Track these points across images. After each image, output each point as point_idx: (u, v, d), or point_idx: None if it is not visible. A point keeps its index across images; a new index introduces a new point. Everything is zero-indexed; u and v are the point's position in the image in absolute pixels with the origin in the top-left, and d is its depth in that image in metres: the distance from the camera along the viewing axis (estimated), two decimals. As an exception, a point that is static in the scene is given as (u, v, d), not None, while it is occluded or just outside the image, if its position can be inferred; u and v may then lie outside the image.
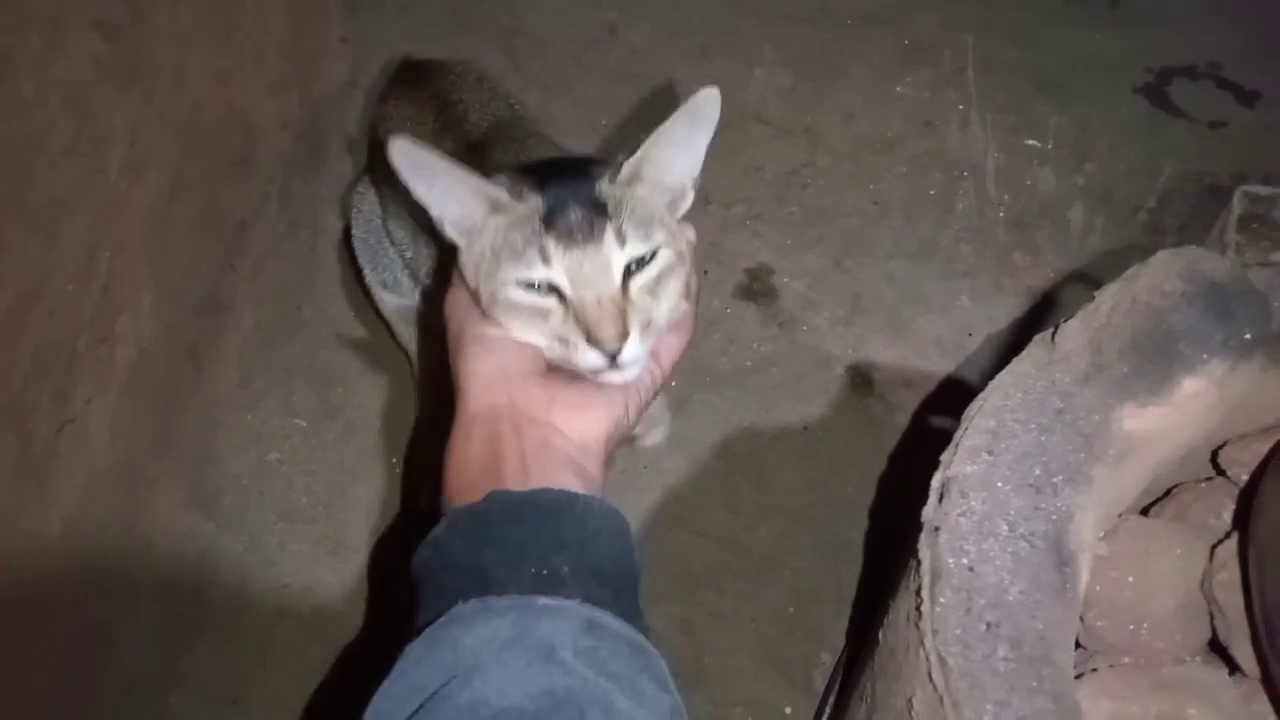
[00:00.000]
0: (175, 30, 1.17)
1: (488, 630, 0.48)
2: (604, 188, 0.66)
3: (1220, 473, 0.78)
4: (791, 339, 1.40)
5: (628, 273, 0.64)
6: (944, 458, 0.69)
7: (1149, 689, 0.67)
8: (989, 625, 0.63)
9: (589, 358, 0.62)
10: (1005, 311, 1.40)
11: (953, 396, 1.34)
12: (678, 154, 0.67)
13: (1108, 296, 0.71)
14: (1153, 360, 0.68)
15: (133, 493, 1.13)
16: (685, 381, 1.35)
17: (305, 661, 1.12)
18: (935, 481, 0.68)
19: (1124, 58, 1.66)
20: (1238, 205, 0.84)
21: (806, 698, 1.11)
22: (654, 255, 0.65)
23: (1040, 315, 1.39)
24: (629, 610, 0.54)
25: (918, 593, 0.64)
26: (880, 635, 0.75)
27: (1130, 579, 0.71)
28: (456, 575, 0.53)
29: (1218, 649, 0.73)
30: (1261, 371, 0.71)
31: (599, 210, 0.64)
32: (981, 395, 0.71)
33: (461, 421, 0.61)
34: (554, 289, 0.64)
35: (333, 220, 1.47)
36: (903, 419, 1.32)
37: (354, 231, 1.24)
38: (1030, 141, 1.56)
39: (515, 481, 0.56)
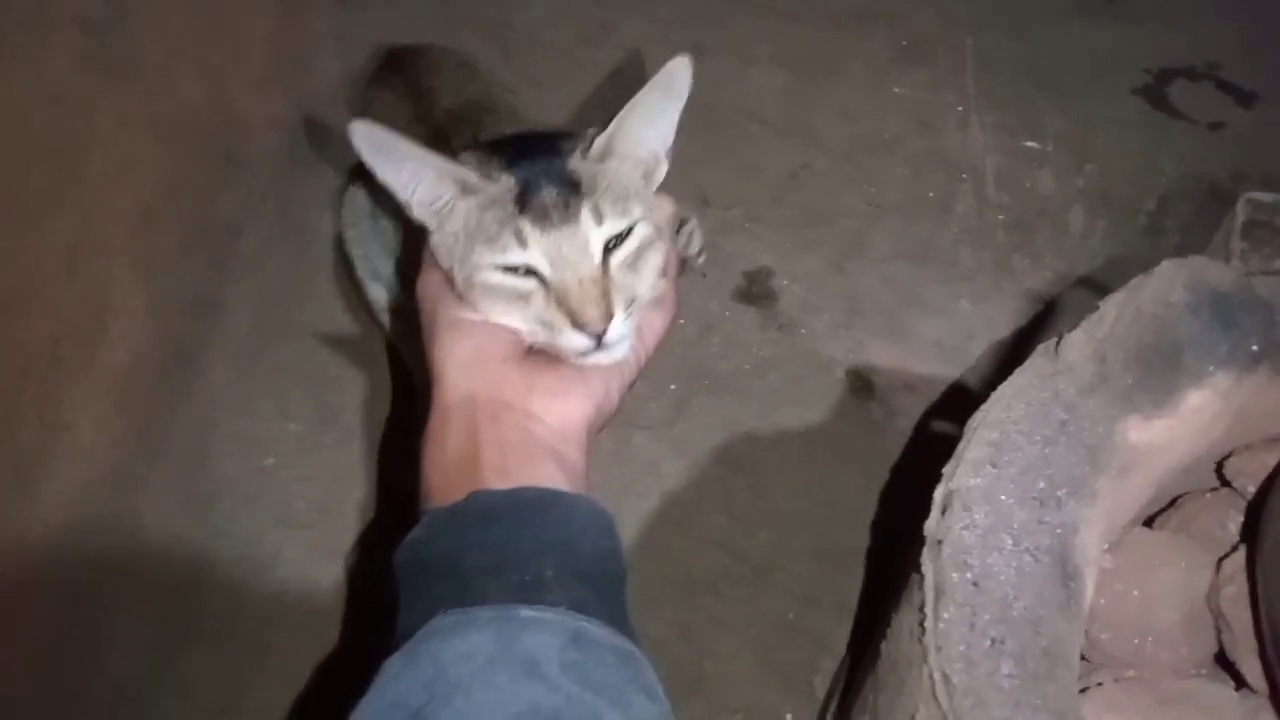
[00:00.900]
0: (160, 27, 1.15)
1: (468, 644, 0.47)
2: (576, 164, 0.64)
3: (1226, 483, 0.78)
4: (791, 342, 1.39)
5: (607, 250, 0.63)
6: (946, 470, 0.68)
7: (1153, 704, 0.67)
8: (993, 641, 0.62)
9: (575, 340, 0.61)
10: (1005, 314, 1.40)
11: (953, 400, 1.34)
12: (650, 126, 0.66)
13: (1111, 307, 0.70)
14: (1157, 372, 0.68)
15: (124, 498, 1.12)
16: (684, 385, 1.34)
17: (299, 668, 1.11)
18: (938, 494, 0.67)
19: (1123, 58, 1.66)
20: (1241, 212, 0.83)
21: (807, 704, 1.11)
22: (631, 230, 0.64)
23: (1040, 318, 1.38)
24: (615, 612, 0.53)
25: (920, 608, 0.64)
26: (882, 647, 0.75)
27: (1135, 592, 0.71)
28: (436, 580, 0.52)
29: (1224, 663, 0.72)
30: (1268, 381, 0.71)
31: (573, 188, 0.63)
32: (984, 407, 0.70)
33: (438, 411, 0.59)
34: (533, 272, 0.62)
35: (326, 220, 1.45)
36: (903, 423, 1.32)
37: (344, 224, 1.24)
38: (1029, 143, 1.55)
39: (495, 477, 0.55)
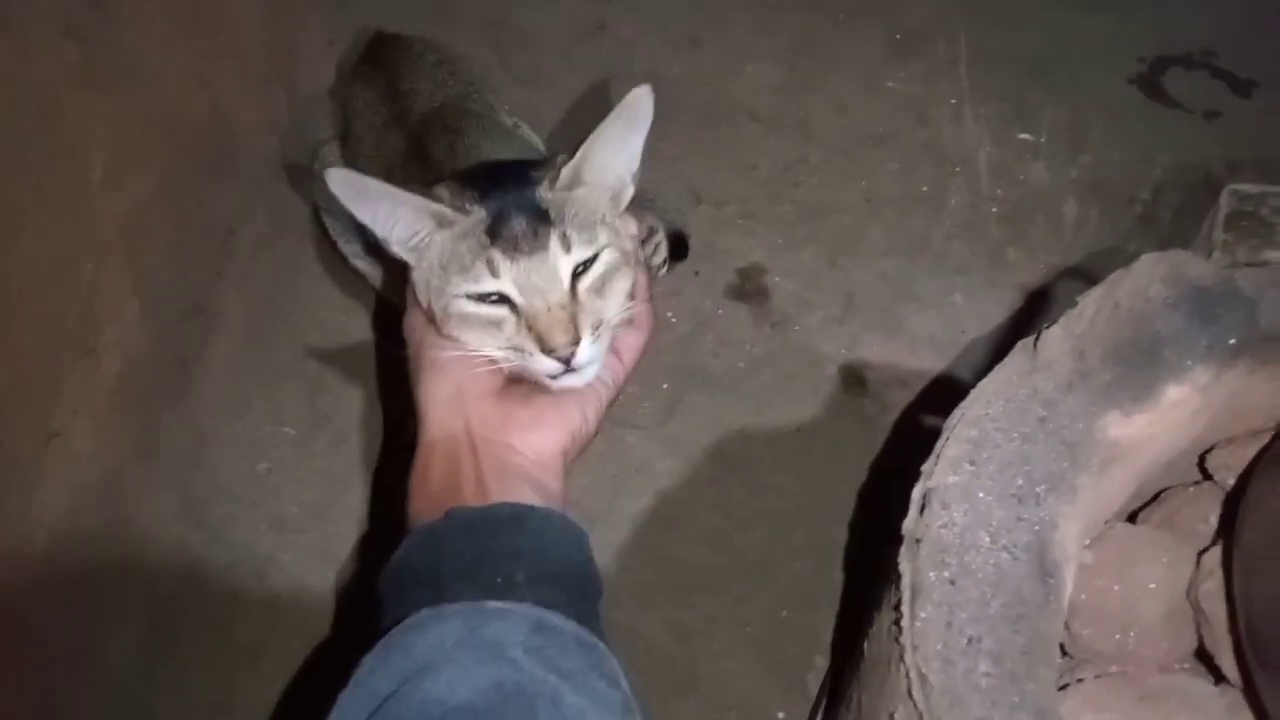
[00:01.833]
0: (150, 34, 1.16)
1: (438, 633, 0.50)
2: (544, 194, 0.67)
3: (1208, 477, 0.78)
4: (784, 339, 1.39)
5: (575, 276, 0.65)
6: (925, 468, 0.68)
7: (1133, 701, 0.66)
8: (970, 640, 0.62)
9: (545, 364, 0.64)
10: (999, 308, 1.39)
11: (947, 395, 1.32)
12: (615, 154, 0.68)
13: (1090, 302, 0.70)
14: (1136, 367, 0.67)
15: (120, 504, 1.12)
16: (676, 384, 1.34)
17: (295, 671, 1.12)
18: (916, 493, 0.67)
19: (1117, 47, 1.64)
20: (1225, 204, 0.83)
21: (800, 701, 1.11)
22: (598, 256, 0.66)
23: (1034, 312, 1.38)
24: (585, 612, 0.55)
25: (897, 607, 0.64)
26: (865, 646, 0.75)
27: (1116, 587, 0.71)
28: (415, 588, 0.54)
29: (1205, 658, 0.72)
30: (1249, 374, 0.71)
31: (542, 217, 0.65)
32: (963, 404, 0.70)
33: (423, 447, 0.63)
34: (505, 299, 0.65)
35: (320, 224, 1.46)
36: (896, 418, 1.32)
37: (321, 209, 1.25)
38: (1023, 135, 1.54)
39: (474, 499, 0.58)
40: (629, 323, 0.69)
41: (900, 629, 0.63)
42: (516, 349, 0.64)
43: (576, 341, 0.63)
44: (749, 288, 1.44)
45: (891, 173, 1.52)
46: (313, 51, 1.56)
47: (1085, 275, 1.40)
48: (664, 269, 1.15)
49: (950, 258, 1.44)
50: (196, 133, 1.26)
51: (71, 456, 1.05)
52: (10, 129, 0.94)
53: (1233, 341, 0.67)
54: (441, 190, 0.69)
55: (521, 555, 0.55)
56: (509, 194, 0.66)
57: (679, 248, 1.39)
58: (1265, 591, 0.62)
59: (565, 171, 0.67)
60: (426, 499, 0.60)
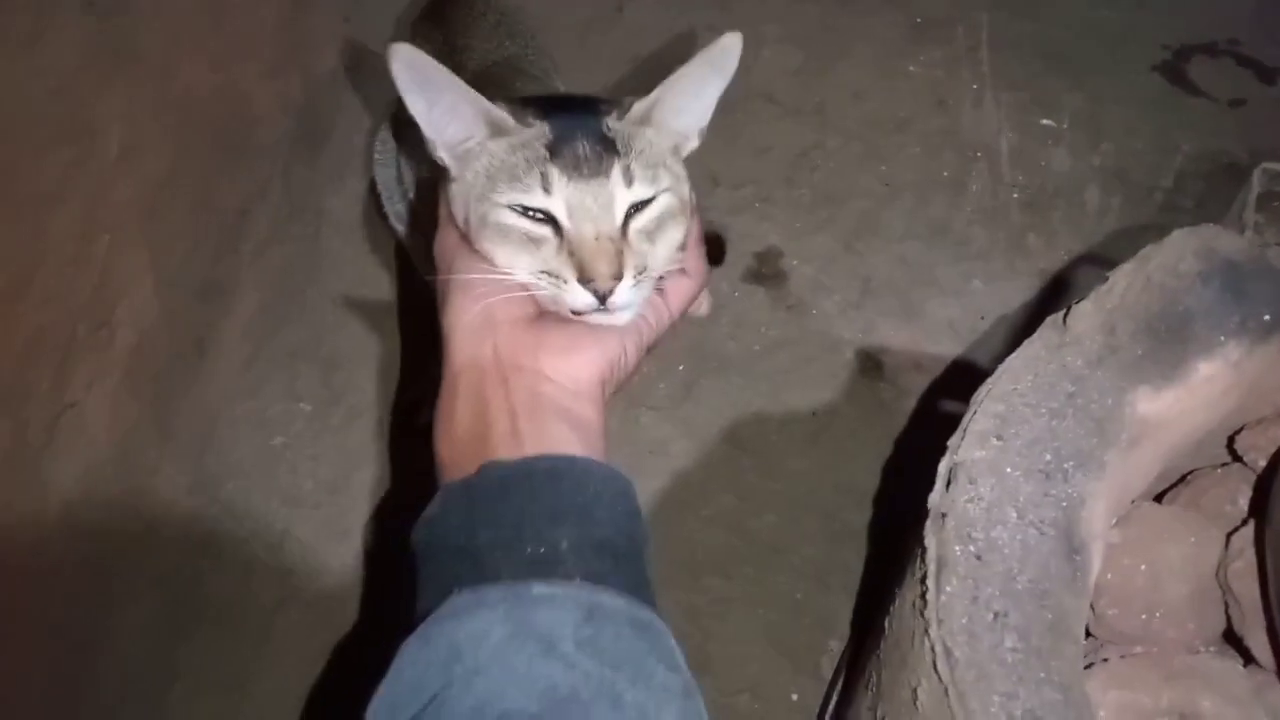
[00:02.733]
0: (166, 13, 1.16)
1: (480, 624, 0.46)
2: (613, 124, 0.64)
3: (1237, 458, 0.77)
4: (800, 323, 1.38)
5: (629, 214, 0.62)
6: (951, 442, 0.67)
7: (1160, 680, 0.66)
8: (996, 615, 0.61)
9: (579, 296, 0.60)
10: (1018, 294, 1.38)
11: (964, 381, 1.31)
12: (691, 100, 0.65)
13: (1121, 277, 0.69)
14: (1167, 342, 0.66)
15: (134, 478, 1.13)
16: (692, 366, 1.34)
17: (309, 648, 1.12)
18: (942, 467, 0.66)
19: (1141, 34, 1.63)
20: (1257, 183, 0.82)
21: (813, 684, 1.11)
22: (655, 198, 0.63)
23: (1053, 298, 1.37)
24: (635, 578, 0.52)
25: (923, 581, 0.63)
26: (886, 623, 0.74)
27: (1142, 567, 0.70)
28: (452, 558, 0.51)
29: (1232, 640, 0.71)
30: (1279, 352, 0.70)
31: (607, 145, 0.62)
32: (990, 379, 0.69)
33: (448, 377, 0.59)
34: (550, 219, 0.61)
35: (336, 203, 1.46)
36: (913, 404, 1.31)
37: (375, 161, 1.24)
38: (1045, 121, 1.53)
39: (506, 447, 0.54)
40: (680, 270, 0.65)
41: (925, 603, 0.62)
42: (551, 275, 0.60)
43: (618, 277, 0.59)
44: (765, 271, 1.43)
45: (911, 158, 1.51)
46: (327, 30, 1.55)
47: (1107, 263, 1.37)
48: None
49: (970, 243, 1.43)
50: (211, 112, 1.26)
51: (85, 428, 1.05)
52: (28, 108, 0.93)
53: (1267, 317, 0.66)
54: (502, 103, 0.65)
55: (564, 517, 0.51)
56: (575, 118, 0.63)
57: (717, 251, 1.38)
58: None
59: (637, 108, 0.64)
60: (454, 442, 0.56)
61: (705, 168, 1.48)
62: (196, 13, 1.22)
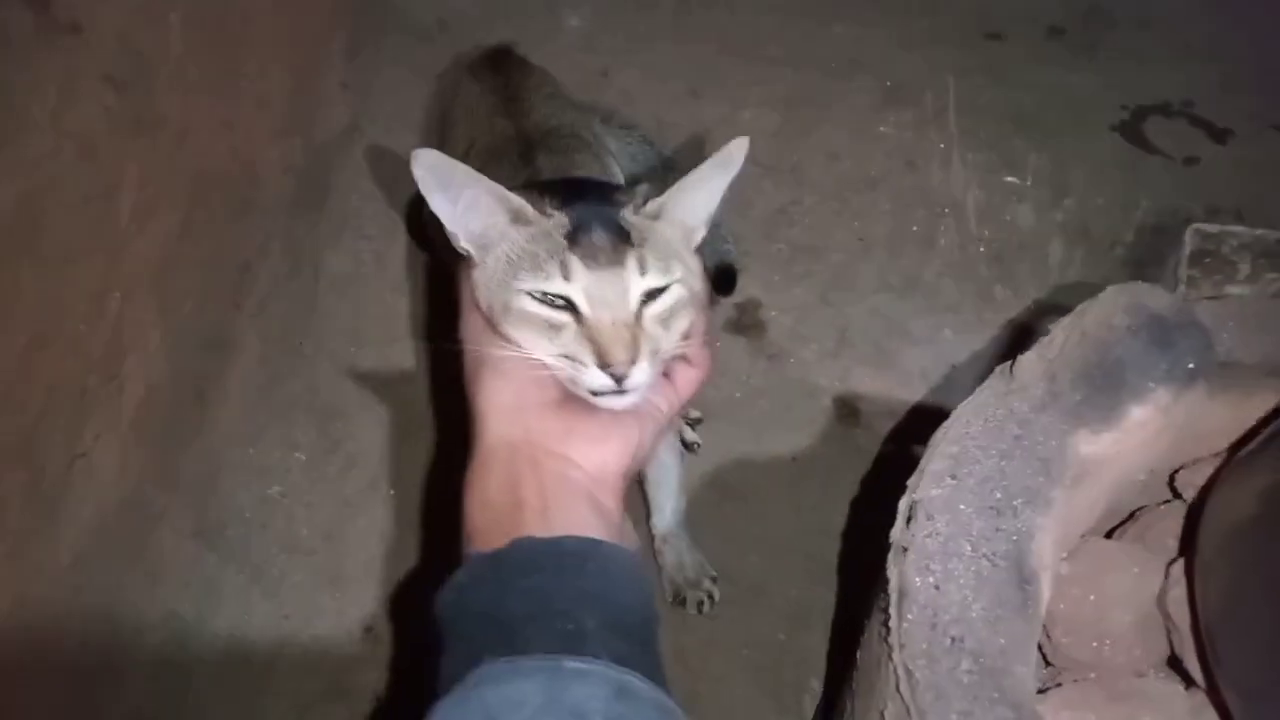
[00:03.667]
0: (182, 82, 1.24)
1: (517, 692, 0.48)
2: (629, 216, 0.68)
3: (1177, 495, 0.83)
4: (780, 372, 1.45)
5: (643, 301, 0.66)
6: (910, 482, 0.74)
7: (1105, 701, 0.71)
8: (953, 640, 0.67)
9: (596, 378, 0.63)
10: (987, 344, 1.46)
11: (936, 426, 1.39)
12: (702, 196, 0.71)
13: (1060, 330, 0.76)
14: (1103, 389, 0.73)
15: (139, 526, 1.18)
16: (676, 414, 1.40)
17: (305, 691, 1.16)
18: (902, 504, 0.73)
19: (1100, 96, 1.74)
20: (1189, 242, 0.89)
21: (796, 723, 1.15)
22: (668, 287, 0.67)
23: (1019, 347, 1.44)
24: (652, 663, 0.54)
25: (886, 610, 0.69)
26: (858, 655, 0.80)
27: (1091, 597, 0.76)
28: (481, 625, 0.53)
29: (1176, 664, 0.77)
30: (1209, 398, 0.77)
31: (623, 236, 0.66)
32: (945, 424, 0.76)
33: (480, 454, 0.62)
34: (569, 305, 0.65)
35: (334, 259, 1.53)
36: (888, 449, 1.37)
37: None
38: (1010, 179, 1.62)
39: (536, 524, 0.57)
40: (684, 359, 0.68)
41: (888, 629, 0.68)
42: (570, 357, 0.64)
43: (634, 362, 0.63)
44: (746, 322, 1.50)
45: (883, 214, 1.60)
46: (329, 96, 1.64)
47: (1068, 312, 1.46)
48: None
49: (940, 295, 1.51)
50: (219, 174, 1.33)
51: (94, 478, 1.10)
52: (52, 168, 1.00)
53: (1191, 365, 0.73)
54: (521, 192, 0.69)
55: (589, 597, 0.54)
56: (592, 208, 0.68)
57: (726, 281, 1.46)
58: (1219, 596, 0.68)
59: (652, 204, 0.68)
60: (485, 510, 0.59)
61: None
62: (210, 81, 1.30)
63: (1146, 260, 1.52)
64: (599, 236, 0.66)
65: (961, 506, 0.72)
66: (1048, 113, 1.70)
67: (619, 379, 0.63)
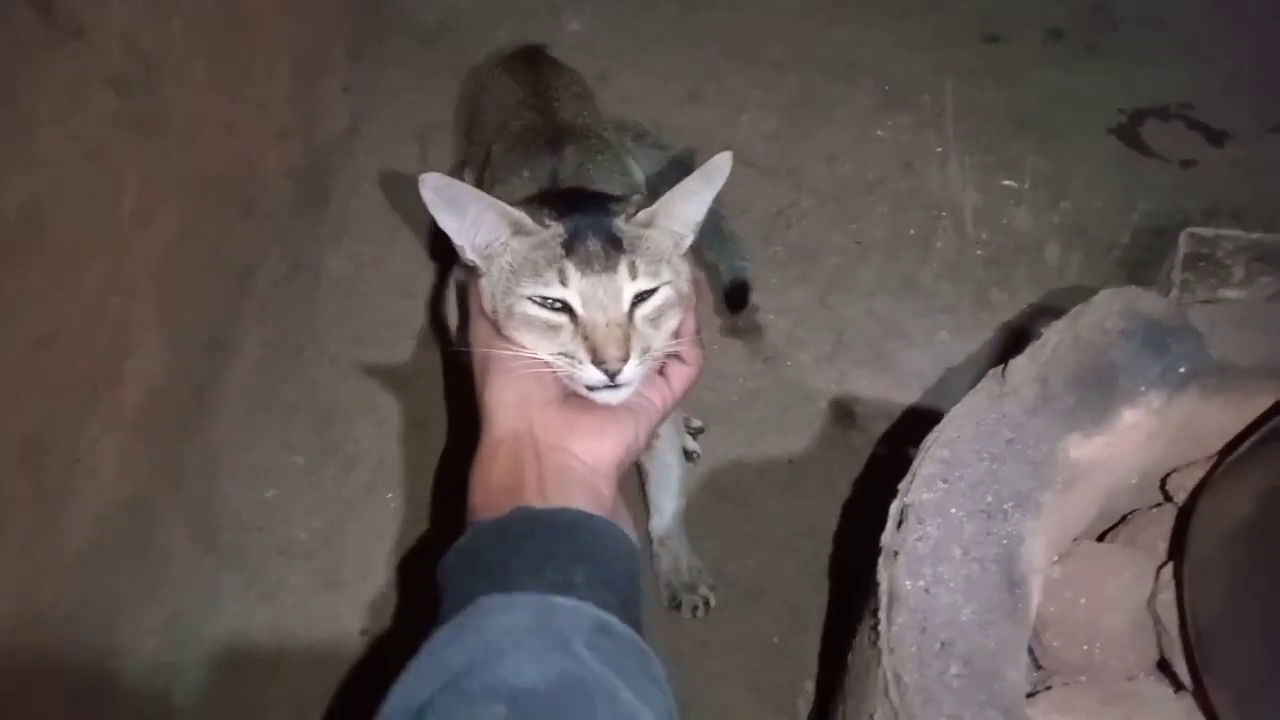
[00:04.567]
0: (188, 83, 1.24)
1: (510, 619, 0.53)
2: (621, 225, 0.74)
3: (1169, 499, 0.83)
4: (777, 374, 1.45)
5: (634, 303, 0.72)
6: (901, 486, 0.74)
7: (1096, 704, 0.71)
8: (942, 644, 0.67)
9: (591, 374, 0.69)
10: (983, 346, 1.45)
11: (931, 429, 1.39)
12: (689, 206, 0.76)
13: (1053, 333, 0.76)
14: (1095, 392, 0.73)
15: (140, 528, 1.18)
16: (673, 415, 1.40)
17: (303, 695, 1.16)
18: (893, 508, 0.73)
19: (1098, 99, 1.73)
20: (1184, 245, 0.89)
21: (791, 726, 1.15)
22: (658, 290, 0.73)
23: (1016, 349, 1.44)
24: (634, 621, 0.58)
25: (875, 614, 0.69)
26: (849, 658, 0.80)
27: (1083, 600, 0.76)
28: (481, 577, 0.57)
29: (1166, 668, 0.77)
30: (1203, 401, 0.76)
31: (615, 243, 0.72)
32: (937, 427, 0.76)
33: (487, 445, 0.67)
34: (567, 308, 0.71)
35: (334, 262, 1.53)
36: (884, 451, 1.37)
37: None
38: (1007, 181, 1.62)
39: (535, 500, 0.62)
40: (676, 358, 0.74)
41: (878, 634, 0.68)
42: (568, 355, 0.70)
43: (626, 359, 0.69)
44: (743, 324, 1.50)
45: (880, 217, 1.60)
46: (330, 98, 1.64)
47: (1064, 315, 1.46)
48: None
49: (937, 298, 1.51)
50: (221, 176, 1.34)
51: (96, 481, 1.11)
52: (60, 173, 1.01)
53: (1183, 369, 0.73)
54: (521, 206, 0.76)
55: (581, 558, 0.58)
56: (587, 218, 0.74)
57: (738, 297, 1.46)
58: (1208, 600, 0.68)
59: (643, 214, 0.74)
60: (488, 492, 0.64)
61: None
62: (213, 84, 1.30)
63: (1144, 263, 1.52)
64: (593, 244, 0.72)
65: (952, 510, 0.72)
66: (1046, 116, 1.70)
67: (612, 374, 0.69)
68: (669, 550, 1.25)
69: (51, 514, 1.03)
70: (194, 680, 1.17)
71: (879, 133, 1.70)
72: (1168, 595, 0.73)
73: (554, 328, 0.71)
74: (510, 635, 0.52)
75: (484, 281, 0.74)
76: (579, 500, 0.62)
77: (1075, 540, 0.81)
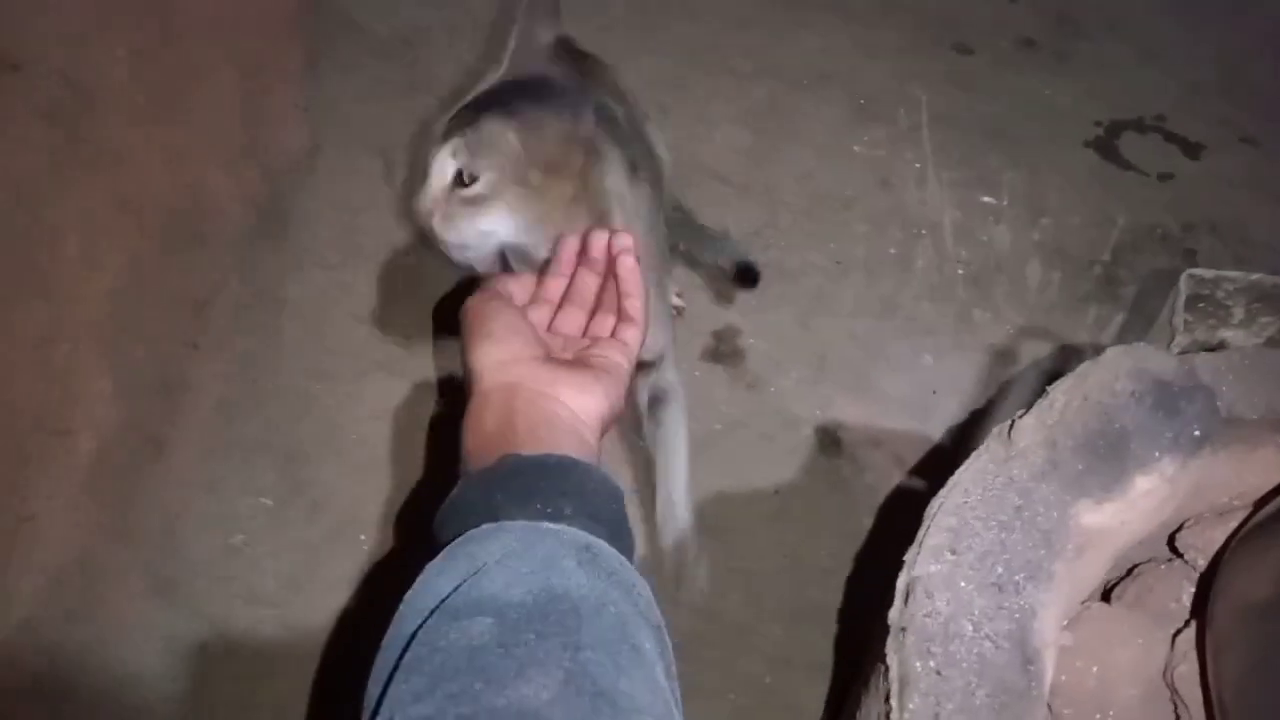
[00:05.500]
0: (128, 113, 1.17)
1: (499, 544, 0.53)
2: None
3: (1178, 554, 0.80)
4: (759, 400, 1.41)
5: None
6: (908, 557, 0.70)
7: (1113, 783, 0.68)
8: (957, 730, 0.64)
9: None
10: (967, 368, 1.43)
11: (920, 455, 1.37)
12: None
13: (1060, 393, 0.73)
14: (1106, 458, 0.70)
15: (93, 585, 1.11)
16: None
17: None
18: (900, 583, 0.69)
19: (1074, 112, 1.71)
20: (1185, 288, 0.87)
21: (784, 772, 1.12)
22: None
23: (1000, 372, 1.42)
24: (625, 549, 0.59)
25: (887, 699, 0.65)
26: (853, 730, 0.76)
27: (1094, 669, 0.73)
28: (470, 515, 0.58)
29: (1181, 737, 0.74)
30: (1213, 457, 0.74)
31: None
32: (941, 492, 0.72)
33: (477, 397, 0.68)
34: None
35: (296, 291, 1.46)
36: (872, 479, 1.34)
37: None
38: (986, 198, 1.59)
39: (526, 444, 0.62)
40: (630, 320, 0.77)
41: (889, 721, 0.65)
42: None
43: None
44: (724, 349, 1.46)
45: (859, 235, 1.56)
46: (286, 118, 1.57)
47: (1050, 336, 1.44)
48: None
49: (919, 319, 1.48)
50: (170, 208, 1.26)
51: (45, 539, 1.04)
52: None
53: (1197, 433, 0.70)
54: None
55: (568, 495, 0.59)
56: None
57: (749, 274, 1.46)
58: (1236, 673, 0.65)
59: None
60: (480, 437, 0.65)
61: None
62: (157, 107, 1.23)
63: (1125, 279, 1.50)
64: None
65: (962, 584, 0.68)
66: (1022, 128, 1.67)
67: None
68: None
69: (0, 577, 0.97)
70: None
71: (855, 147, 1.66)
72: (1186, 667, 0.70)
73: None
74: (497, 557, 0.52)
75: None
76: (567, 445, 0.63)
77: (1084, 603, 0.78)
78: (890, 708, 0.64)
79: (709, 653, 1.20)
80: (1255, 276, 0.87)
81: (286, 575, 1.23)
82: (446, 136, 0.89)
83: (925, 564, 0.69)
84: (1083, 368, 0.73)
